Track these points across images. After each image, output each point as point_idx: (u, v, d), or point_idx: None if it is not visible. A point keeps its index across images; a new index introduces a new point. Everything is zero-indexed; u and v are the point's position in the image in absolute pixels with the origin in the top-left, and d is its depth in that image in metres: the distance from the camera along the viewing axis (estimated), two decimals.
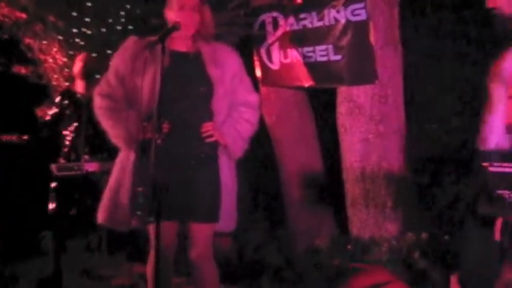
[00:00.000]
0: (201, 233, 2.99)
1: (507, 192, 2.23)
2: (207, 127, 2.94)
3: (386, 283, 2.72)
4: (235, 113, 3.06)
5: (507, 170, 2.25)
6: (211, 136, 2.95)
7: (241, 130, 3.05)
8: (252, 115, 3.11)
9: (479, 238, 2.53)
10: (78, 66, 4.57)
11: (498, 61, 2.67)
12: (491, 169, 2.24)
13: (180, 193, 2.89)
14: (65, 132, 4.54)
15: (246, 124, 3.08)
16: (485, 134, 2.66)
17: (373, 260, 3.93)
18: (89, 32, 4.94)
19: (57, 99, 4.63)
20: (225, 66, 3.00)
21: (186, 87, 2.94)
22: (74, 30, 4.95)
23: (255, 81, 4.04)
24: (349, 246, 4.21)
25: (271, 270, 4.37)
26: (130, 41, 3.04)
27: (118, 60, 3.02)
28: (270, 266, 4.45)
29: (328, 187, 4.80)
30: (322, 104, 5.07)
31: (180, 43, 2.98)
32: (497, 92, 2.62)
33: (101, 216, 3.00)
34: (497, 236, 2.39)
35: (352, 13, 4.12)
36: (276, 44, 4.64)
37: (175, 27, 2.84)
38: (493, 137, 2.62)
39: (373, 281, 2.73)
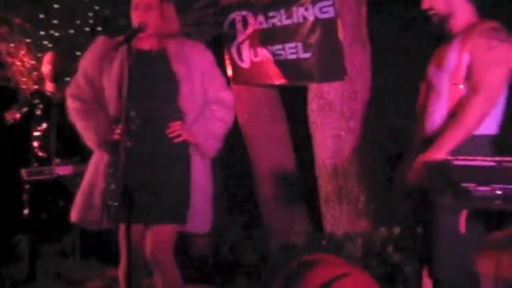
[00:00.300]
0: (162, 233, 2.90)
1: (472, 185, 2.25)
2: (174, 127, 2.90)
3: (346, 274, 2.60)
4: (207, 111, 3.00)
5: (471, 163, 2.28)
6: (179, 136, 2.91)
7: (213, 129, 2.99)
8: (225, 113, 3.04)
9: (444, 231, 2.56)
10: (46, 68, 4.53)
11: (440, 54, 2.71)
12: (456, 162, 2.26)
13: (148, 194, 2.86)
14: (35, 134, 4.49)
15: (218, 122, 3.01)
16: (430, 123, 2.69)
17: (347, 256, 3.94)
18: (56, 34, 4.88)
19: (28, 98, 4.58)
20: (192, 63, 2.95)
21: (151, 86, 2.91)
22: (42, 33, 4.88)
23: (226, 80, 4.04)
24: (323, 242, 4.22)
25: (246, 269, 4.37)
26: (99, 41, 3.02)
27: (86, 61, 3.00)
28: (245, 264, 4.45)
29: (301, 184, 4.81)
30: (294, 101, 5.07)
31: (144, 42, 2.94)
32: (444, 83, 2.66)
33: (74, 216, 2.98)
34: (462, 228, 2.42)
35: (320, 11, 4.14)
36: (246, 43, 4.64)
37: (141, 27, 2.82)
38: (437, 125, 2.66)
39: (332, 273, 2.59)
